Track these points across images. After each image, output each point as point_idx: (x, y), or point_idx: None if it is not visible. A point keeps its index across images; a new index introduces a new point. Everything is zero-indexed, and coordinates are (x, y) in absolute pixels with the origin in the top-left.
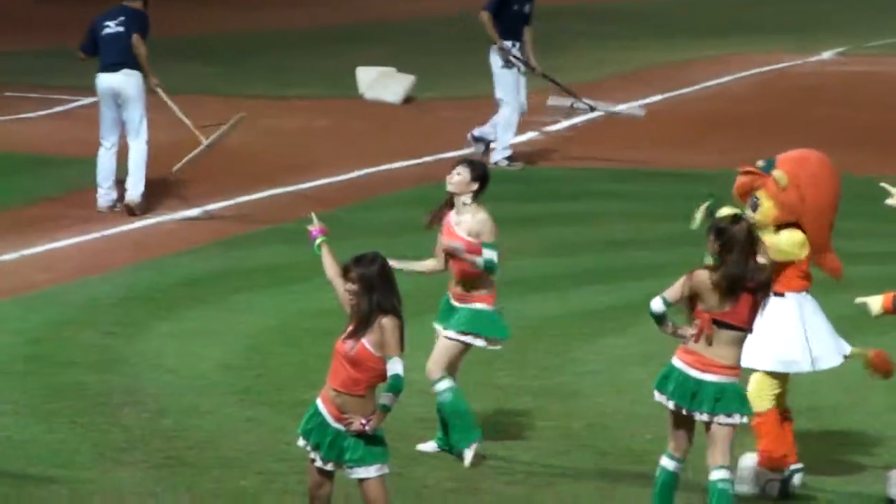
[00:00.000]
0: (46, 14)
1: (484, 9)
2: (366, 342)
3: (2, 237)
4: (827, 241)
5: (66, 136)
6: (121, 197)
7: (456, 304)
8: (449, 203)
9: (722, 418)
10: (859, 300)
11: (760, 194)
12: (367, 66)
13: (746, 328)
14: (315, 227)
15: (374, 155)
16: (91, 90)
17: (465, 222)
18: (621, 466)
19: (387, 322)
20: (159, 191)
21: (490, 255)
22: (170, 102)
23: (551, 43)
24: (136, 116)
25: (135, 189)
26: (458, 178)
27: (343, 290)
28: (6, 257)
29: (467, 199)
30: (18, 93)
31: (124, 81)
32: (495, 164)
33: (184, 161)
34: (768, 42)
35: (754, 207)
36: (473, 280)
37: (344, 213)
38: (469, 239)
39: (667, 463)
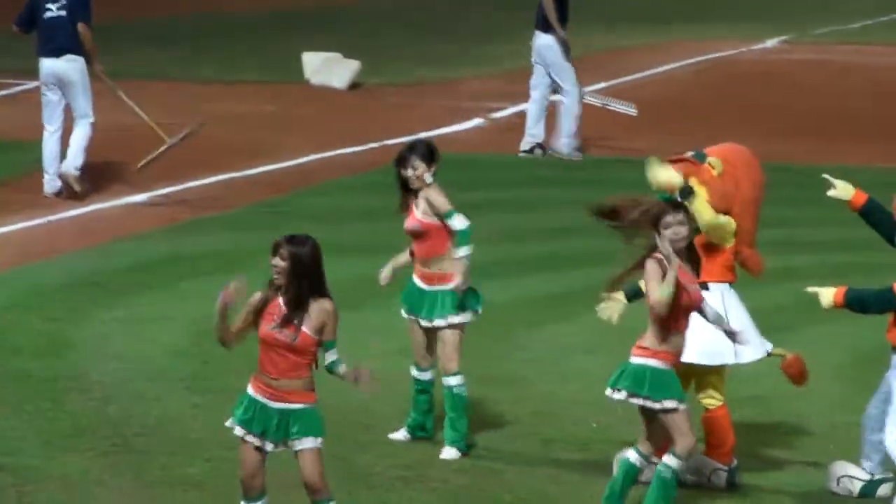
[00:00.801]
0: None
1: None
2: (306, 329)
3: None
4: (753, 235)
5: (11, 120)
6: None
7: (426, 287)
8: (408, 189)
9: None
10: (811, 289)
11: (693, 181)
12: (313, 52)
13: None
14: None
15: (321, 141)
16: (34, 73)
17: (421, 206)
18: (567, 454)
19: (330, 306)
20: (106, 176)
21: (459, 224)
22: (125, 98)
23: (499, 31)
24: (82, 101)
25: (74, 160)
26: (416, 172)
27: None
28: None
29: (429, 179)
30: None
31: (67, 67)
32: (558, 152)
33: (148, 159)
34: (712, 30)
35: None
36: (441, 258)
37: (290, 199)
38: (430, 221)
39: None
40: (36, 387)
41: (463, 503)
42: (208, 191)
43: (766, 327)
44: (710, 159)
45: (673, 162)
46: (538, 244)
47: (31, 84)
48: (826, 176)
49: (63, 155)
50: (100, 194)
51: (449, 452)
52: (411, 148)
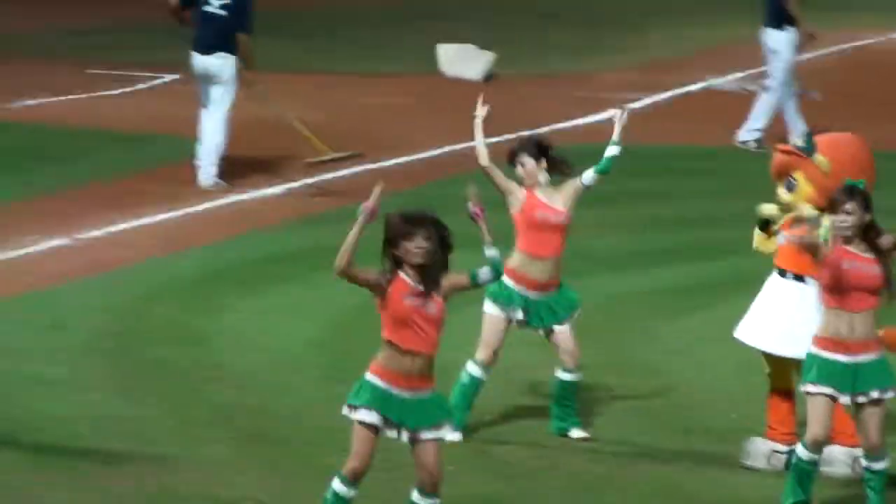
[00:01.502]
0: None
1: None
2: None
3: (87, 214)
4: None
5: (148, 112)
6: (221, 173)
7: (538, 295)
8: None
9: None
10: None
11: (798, 176)
12: (447, 43)
13: None
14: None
15: (456, 132)
16: (171, 67)
17: (559, 198)
18: (705, 446)
19: (453, 275)
20: (244, 168)
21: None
22: (288, 113)
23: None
24: (225, 97)
25: (203, 173)
26: (526, 168)
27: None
28: (91, 234)
29: (543, 178)
30: (100, 70)
31: (217, 64)
32: (743, 143)
33: (317, 160)
34: (852, 20)
35: (790, 188)
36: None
37: (425, 189)
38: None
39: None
40: (174, 376)
41: (600, 492)
42: (344, 182)
43: None
44: (818, 158)
45: (782, 152)
46: (673, 234)
47: (168, 77)
48: None
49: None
50: (238, 186)
51: (578, 432)
52: (517, 147)
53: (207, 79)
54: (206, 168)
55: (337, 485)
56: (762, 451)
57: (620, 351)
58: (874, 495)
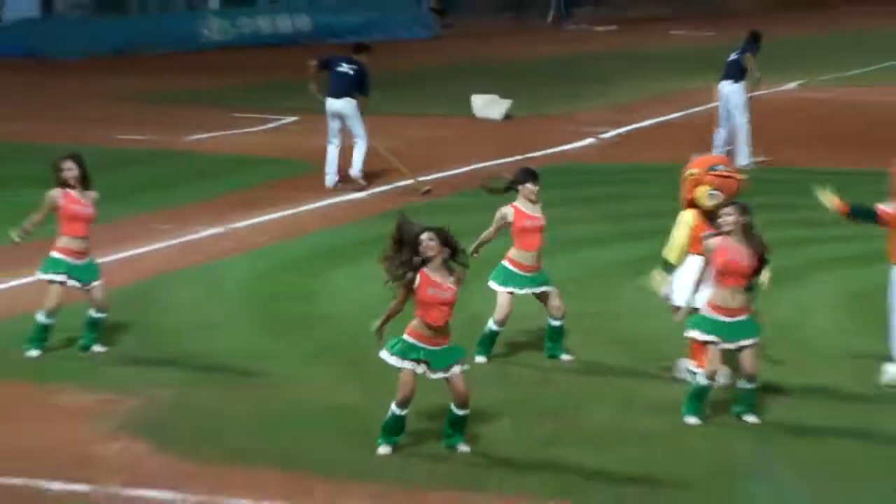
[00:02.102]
0: (255, 60)
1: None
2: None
3: (234, 212)
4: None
5: (275, 144)
6: (342, 179)
7: (530, 273)
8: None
9: None
10: (820, 192)
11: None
12: (478, 94)
13: None
14: None
15: (484, 155)
16: (291, 112)
17: (538, 210)
18: (655, 366)
19: (459, 269)
20: (347, 178)
21: None
22: (383, 151)
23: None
24: (358, 128)
25: (357, 168)
26: (529, 189)
27: None
28: (237, 225)
29: (535, 196)
30: (242, 114)
31: (346, 105)
32: (745, 165)
33: (410, 179)
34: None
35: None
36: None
37: (460, 198)
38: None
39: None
40: (291, 322)
41: (582, 398)
42: (407, 190)
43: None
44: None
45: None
46: (631, 223)
47: (288, 119)
48: (817, 190)
49: (340, 163)
50: (342, 190)
51: (566, 357)
52: (526, 174)
53: (337, 116)
54: (358, 164)
55: (394, 408)
56: (683, 367)
57: (595, 303)
58: (745, 405)
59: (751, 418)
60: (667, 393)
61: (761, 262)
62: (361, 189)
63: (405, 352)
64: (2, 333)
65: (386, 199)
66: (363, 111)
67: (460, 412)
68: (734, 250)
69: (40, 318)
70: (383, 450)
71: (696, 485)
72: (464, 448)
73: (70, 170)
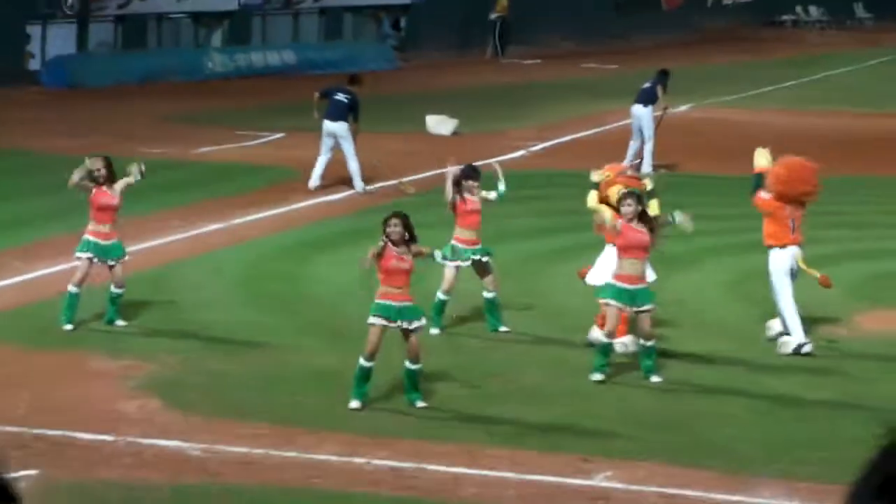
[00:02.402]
0: (250, 87)
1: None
2: (410, 258)
3: (234, 210)
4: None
5: (267, 155)
6: (323, 186)
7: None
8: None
9: None
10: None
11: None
12: (431, 114)
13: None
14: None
15: (436, 164)
16: (281, 130)
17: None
18: (577, 334)
19: (414, 245)
20: (338, 182)
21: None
22: (375, 161)
23: (519, 103)
24: (348, 148)
25: (357, 181)
26: (472, 184)
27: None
28: (235, 221)
29: (476, 188)
30: (240, 131)
31: (339, 128)
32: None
33: (400, 182)
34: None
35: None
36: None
37: (416, 199)
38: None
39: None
40: (280, 300)
41: (518, 363)
42: (386, 189)
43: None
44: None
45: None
46: (554, 218)
47: (277, 135)
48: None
49: (323, 174)
50: (323, 192)
51: (503, 328)
52: (470, 171)
53: (331, 135)
54: (357, 182)
55: (361, 361)
56: (595, 335)
57: (528, 284)
58: (647, 361)
59: (655, 378)
60: (589, 358)
61: (652, 233)
62: (365, 191)
63: (379, 310)
64: (42, 313)
65: (360, 200)
66: (355, 134)
67: (414, 367)
68: (633, 231)
69: (71, 288)
70: (354, 404)
71: (612, 433)
72: (421, 403)
73: (99, 170)
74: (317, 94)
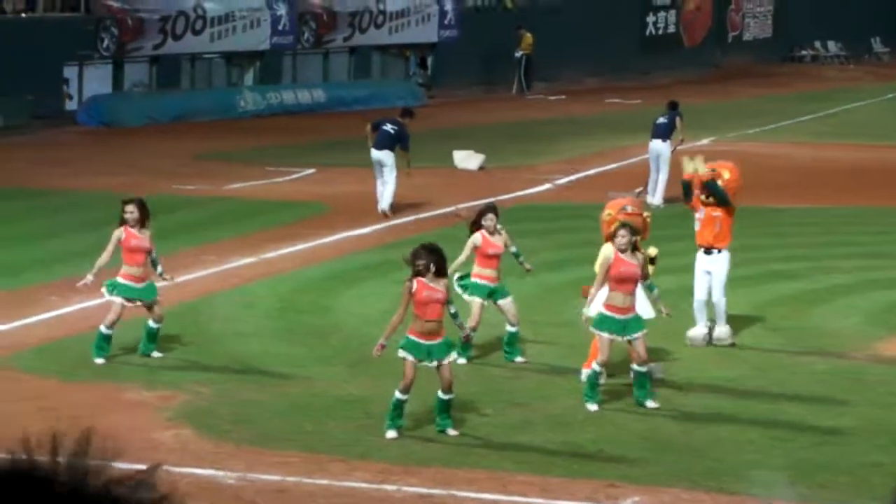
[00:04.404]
0: (281, 125)
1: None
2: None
3: (264, 245)
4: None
5: (298, 191)
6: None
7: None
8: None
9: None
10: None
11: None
12: (458, 150)
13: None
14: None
15: (463, 199)
16: (311, 166)
17: (500, 240)
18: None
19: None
20: (362, 215)
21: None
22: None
23: (544, 138)
24: (390, 175)
25: (386, 203)
26: (492, 222)
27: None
28: (267, 255)
29: (496, 227)
30: (271, 167)
31: (385, 156)
32: (658, 206)
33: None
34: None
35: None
36: None
37: (444, 230)
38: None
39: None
40: (309, 331)
41: (539, 389)
42: (411, 224)
43: None
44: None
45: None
46: (579, 250)
47: (309, 171)
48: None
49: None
50: (352, 226)
51: (520, 359)
52: (488, 208)
53: (377, 162)
54: (386, 202)
55: (397, 394)
56: (657, 370)
57: (552, 315)
58: (640, 390)
59: (651, 404)
60: (611, 387)
61: (644, 268)
62: (388, 215)
63: (408, 346)
64: (78, 346)
65: (384, 233)
66: (408, 162)
67: (446, 396)
68: (626, 263)
69: (103, 329)
70: (391, 434)
71: (638, 459)
72: (452, 432)
73: (132, 213)
74: (368, 127)
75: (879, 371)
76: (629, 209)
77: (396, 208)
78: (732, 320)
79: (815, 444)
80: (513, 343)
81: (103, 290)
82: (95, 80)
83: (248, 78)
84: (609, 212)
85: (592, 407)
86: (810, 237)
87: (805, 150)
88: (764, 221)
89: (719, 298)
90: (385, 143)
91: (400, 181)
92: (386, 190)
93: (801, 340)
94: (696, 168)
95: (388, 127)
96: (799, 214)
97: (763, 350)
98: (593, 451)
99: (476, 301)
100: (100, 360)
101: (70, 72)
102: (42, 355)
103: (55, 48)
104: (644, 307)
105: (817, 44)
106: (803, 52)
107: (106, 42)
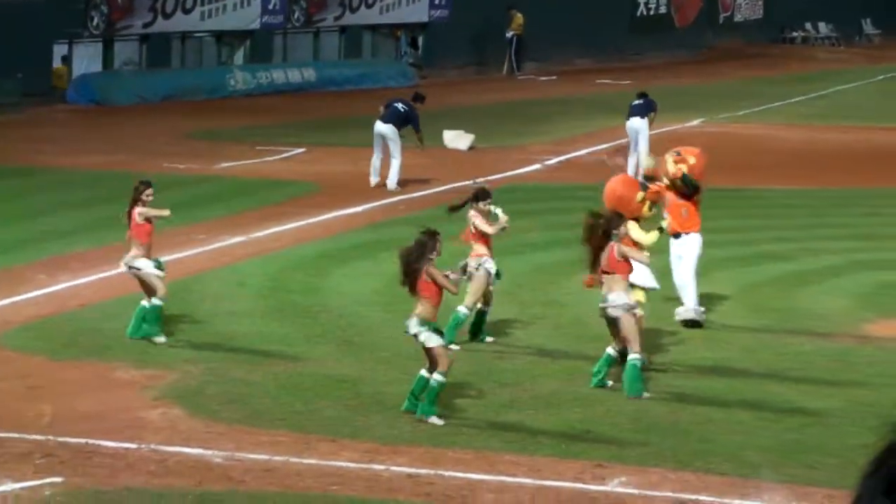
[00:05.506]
0: (271, 104)
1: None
2: None
3: (254, 224)
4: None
5: (288, 170)
6: (380, 183)
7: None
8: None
9: None
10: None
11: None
12: (448, 129)
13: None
14: None
15: (454, 177)
16: (300, 145)
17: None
18: (595, 348)
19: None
20: (351, 194)
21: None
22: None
23: (534, 119)
24: (395, 150)
25: (392, 182)
26: (483, 206)
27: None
28: (256, 235)
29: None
30: (261, 147)
31: (389, 130)
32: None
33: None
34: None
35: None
36: None
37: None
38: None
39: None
40: (300, 310)
41: (528, 371)
42: (401, 203)
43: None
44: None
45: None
46: (568, 231)
47: (297, 150)
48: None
49: (381, 171)
50: (342, 205)
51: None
52: (481, 192)
53: (380, 136)
54: (393, 180)
55: (443, 379)
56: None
57: (541, 294)
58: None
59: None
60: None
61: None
62: (393, 193)
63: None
64: (66, 325)
65: (374, 212)
66: (420, 139)
67: (435, 380)
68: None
69: (158, 302)
70: (438, 421)
71: (626, 440)
72: (437, 421)
73: (149, 195)
74: (381, 108)
75: (867, 352)
76: (654, 185)
77: (384, 188)
78: (720, 301)
79: (803, 425)
80: (481, 323)
81: (157, 270)
82: (85, 59)
83: (239, 57)
84: (640, 195)
85: (646, 394)
86: (799, 219)
87: (795, 131)
88: (753, 203)
89: (688, 279)
90: (392, 118)
91: (404, 160)
92: (392, 168)
93: (790, 322)
94: (656, 165)
95: (399, 105)
96: (788, 196)
97: (751, 331)
98: (581, 431)
99: (479, 275)
100: (161, 339)
101: (59, 50)
102: (30, 333)
103: (45, 26)
104: (644, 276)
105: (808, 25)
106: (794, 34)
107: (96, 20)
